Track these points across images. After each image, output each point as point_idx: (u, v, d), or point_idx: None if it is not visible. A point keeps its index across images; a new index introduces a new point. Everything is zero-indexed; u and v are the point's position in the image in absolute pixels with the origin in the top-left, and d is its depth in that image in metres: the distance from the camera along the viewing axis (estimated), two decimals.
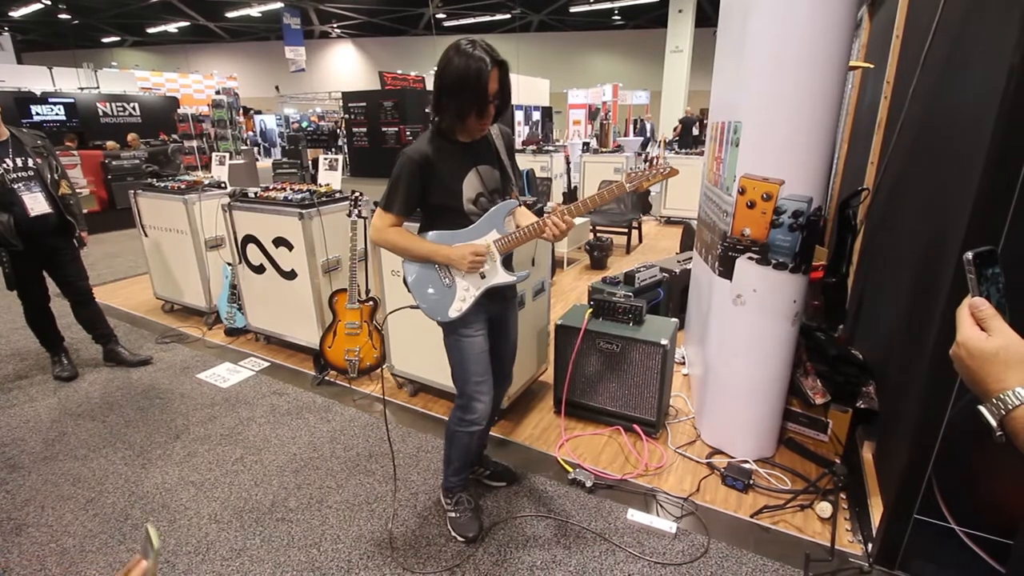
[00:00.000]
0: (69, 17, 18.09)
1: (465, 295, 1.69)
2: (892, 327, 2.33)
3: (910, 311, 2.08)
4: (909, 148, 2.46)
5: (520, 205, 1.77)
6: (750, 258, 2.08)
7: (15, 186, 2.70)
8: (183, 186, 3.70)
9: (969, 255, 0.65)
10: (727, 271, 2.15)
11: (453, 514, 1.95)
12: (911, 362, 1.94)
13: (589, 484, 2.16)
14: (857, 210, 2.98)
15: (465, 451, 1.89)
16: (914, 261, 2.12)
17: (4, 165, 2.68)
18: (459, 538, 1.90)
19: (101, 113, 12.28)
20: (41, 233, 2.81)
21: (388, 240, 1.67)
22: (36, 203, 2.76)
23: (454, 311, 1.70)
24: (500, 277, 1.71)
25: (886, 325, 2.44)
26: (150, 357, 3.33)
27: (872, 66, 2.78)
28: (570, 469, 2.24)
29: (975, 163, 1.51)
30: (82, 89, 13.19)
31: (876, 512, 1.96)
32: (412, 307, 1.78)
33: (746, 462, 2.28)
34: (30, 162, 2.78)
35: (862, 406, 2.36)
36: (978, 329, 0.65)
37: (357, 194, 2.87)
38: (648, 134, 13.41)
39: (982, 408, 0.62)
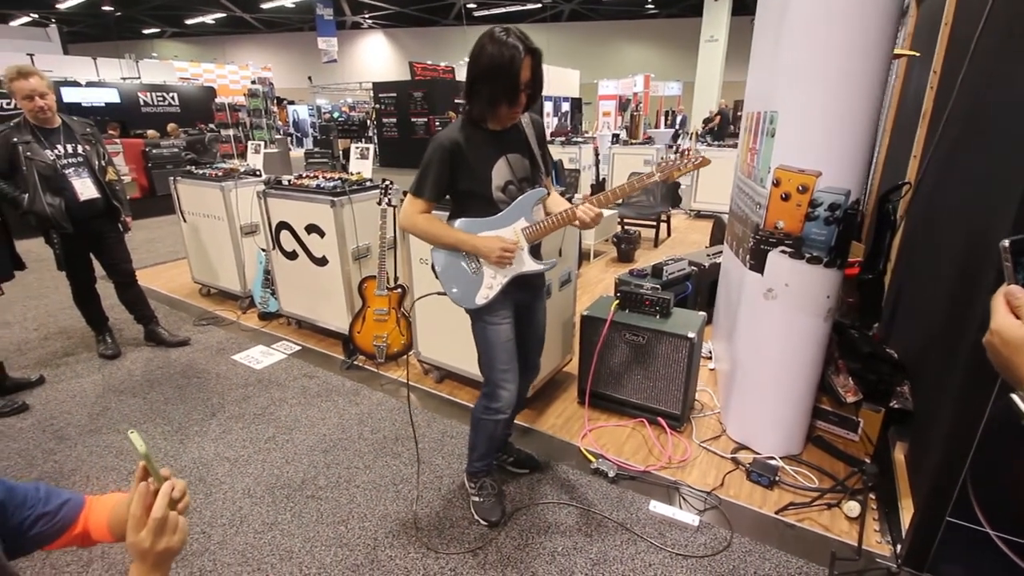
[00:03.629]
0: (112, 9, 18.68)
1: (492, 283, 1.71)
2: (930, 326, 2.26)
3: (950, 309, 2.01)
4: (955, 141, 2.36)
5: (549, 194, 1.77)
6: (783, 251, 2.04)
7: (66, 171, 2.82)
8: (220, 174, 3.81)
9: (1005, 242, 0.63)
10: (759, 264, 2.12)
11: (477, 498, 1.98)
12: (949, 361, 1.88)
13: (612, 474, 2.17)
14: (897, 205, 2.88)
15: (490, 438, 1.92)
16: (956, 258, 2.05)
17: (56, 151, 2.80)
18: (482, 522, 1.93)
19: (142, 103, 12.67)
20: (89, 217, 2.94)
21: (417, 226, 1.68)
22: (85, 188, 2.88)
23: (481, 298, 1.71)
24: (528, 265, 1.71)
25: (924, 324, 2.36)
26: (188, 338, 3.46)
27: (919, 55, 2.67)
28: (593, 459, 2.25)
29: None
30: (124, 79, 13.63)
31: (906, 514, 1.92)
32: (439, 293, 1.81)
33: (772, 458, 2.25)
34: (79, 148, 2.90)
35: (895, 406, 2.30)
36: (1013, 317, 0.63)
37: (387, 183, 2.91)
38: (679, 126, 13.16)
39: (1015, 396, 0.61)
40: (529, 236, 1.69)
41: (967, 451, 1.56)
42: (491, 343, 1.78)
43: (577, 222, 1.63)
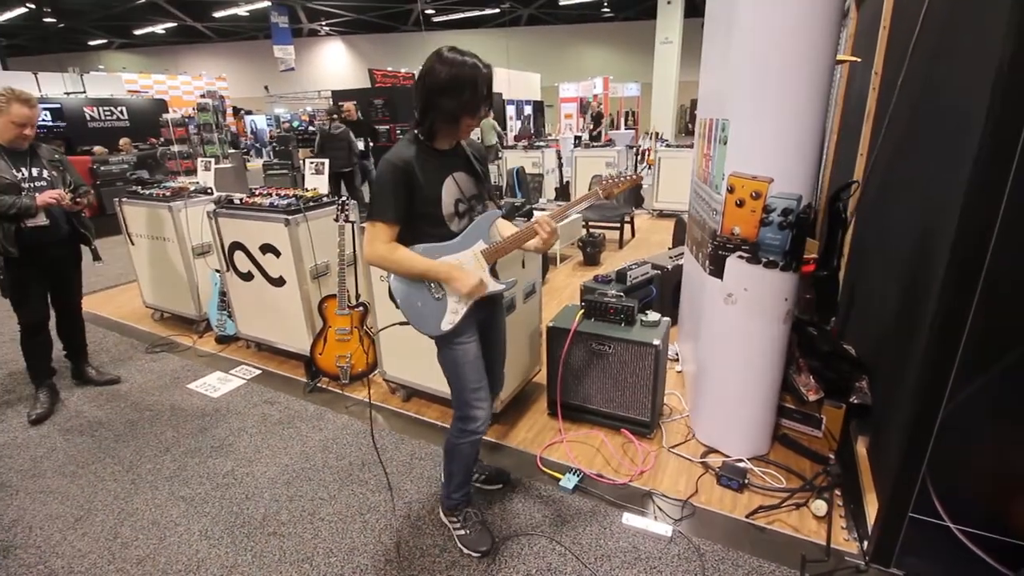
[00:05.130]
0: (55, 20, 17.86)
1: (457, 307, 1.67)
2: (884, 321, 2.32)
3: (901, 304, 2.07)
4: (898, 140, 2.44)
5: (504, 215, 1.76)
6: (740, 257, 2.05)
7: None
8: (168, 193, 3.65)
9: None
10: (717, 270, 2.13)
11: (462, 532, 1.91)
12: (903, 356, 1.93)
13: (584, 487, 2.14)
14: (847, 203, 2.96)
15: (467, 463, 1.87)
16: (905, 254, 2.11)
17: (21, 173, 2.65)
18: (473, 554, 1.86)
19: (88, 118, 12.12)
20: (49, 244, 2.75)
21: (385, 258, 1.59)
22: (48, 213, 2.70)
23: (446, 324, 1.67)
24: (490, 286, 1.69)
25: (878, 319, 2.43)
26: (118, 376, 3.23)
27: (859, 60, 2.76)
28: (560, 476, 2.22)
29: (965, 155, 1.49)
30: (68, 94, 13.03)
31: (871, 509, 1.96)
32: (402, 323, 1.75)
33: (741, 460, 2.27)
34: (45, 173, 2.74)
35: (855, 401, 2.35)
36: None
37: (344, 198, 2.84)
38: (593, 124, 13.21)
39: None
40: (488, 257, 1.68)
41: (925, 449, 1.59)
42: (459, 364, 1.73)
43: (533, 243, 1.65)
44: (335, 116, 6.99)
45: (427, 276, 1.64)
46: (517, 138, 9.81)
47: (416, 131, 1.60)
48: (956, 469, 1.57)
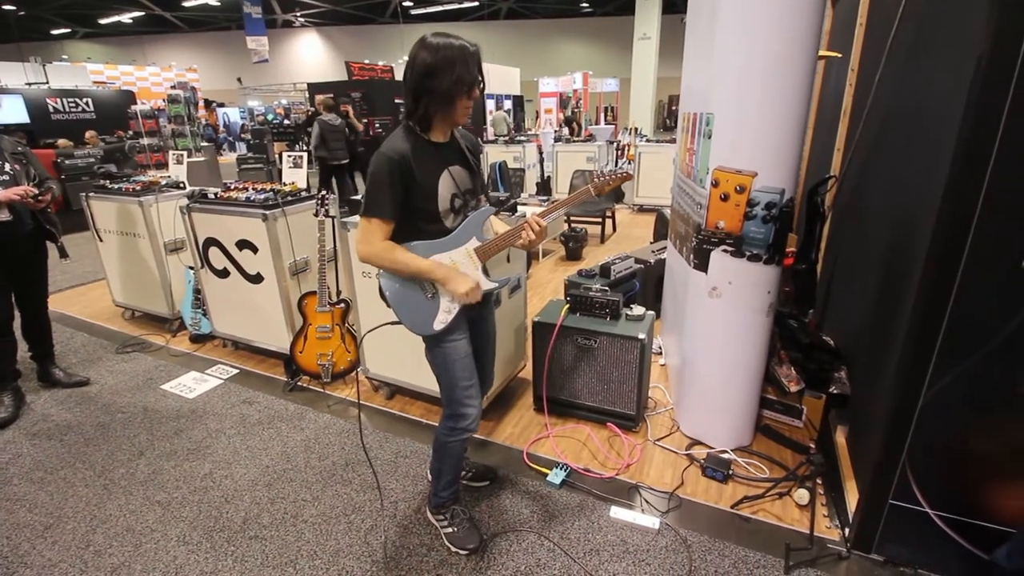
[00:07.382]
0: (14, 8, 17.13)
1: (450, 307, 1.63)
2: (862, 312, 2.36)
3: (879, 296, 2.11)
4: (875, 136, 2.48)
5: (496, 212, 1.73)
6: (725, 251, 2.07)
7: None
8: (138, 187, 3.53)
9: None
10: (702, 264, 2.14)
11: (450, 529, 1.89)
12: (882, 348, 1.97)
13: (571, 482, 2.14)
14: (825, 197, 3.00)
15: (457, 460, 1.84)
16: (883, 247, 2.15)
17: None
18: (461, 552, 1.84)
19: (52, 109, 11.66)
20: (12, 240, 2.62)
21: (382, 256, 1.54)
22: (11, 209, 2.58)
23: (439, 323, 1.63)
24: (484, 285, 1.66)
25: (856, 310, 2.47)
26: (87, 378, 3.11)
27: (840, 55, 2.80)
28: (547, 471, 2.22)
29: (944, 151, 1.51)
30: (30, 84, 12.53)
31: (851, 496, 1.99)
32: (393, 323, 1.71)
33: (725, 452, 2.29)
34: (7, 167, 2.61)
35: (835, 391, 2.40)
36: None
37: (323, 193, 2.77)
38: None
39: None
40: (482, 256, 1.65)
41: (904, 437, 1.62)
42: (450, 362, 1.70)
43: (521, 241, 1.63)
44: (314, 112, 6.93)
45: (423, 276, 1.59)
46: (497, 133, 9.79)
47: (410, 122, 1.54)
48: (935, 456, 1.61)
